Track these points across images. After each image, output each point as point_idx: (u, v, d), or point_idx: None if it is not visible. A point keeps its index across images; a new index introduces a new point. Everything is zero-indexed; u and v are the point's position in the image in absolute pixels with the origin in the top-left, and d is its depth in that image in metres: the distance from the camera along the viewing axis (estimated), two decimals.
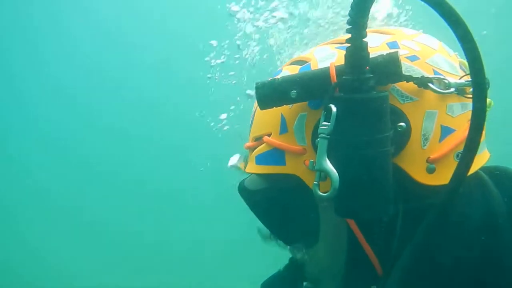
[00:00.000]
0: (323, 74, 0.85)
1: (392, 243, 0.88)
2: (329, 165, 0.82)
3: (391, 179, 0.82)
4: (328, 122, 0.82)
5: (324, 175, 0.83)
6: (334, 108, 0.82)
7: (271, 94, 0.87)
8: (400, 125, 0.84)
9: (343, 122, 0.81)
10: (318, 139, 0.83)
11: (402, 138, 0.85)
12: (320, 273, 0.95)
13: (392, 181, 0.82)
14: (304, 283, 0.97)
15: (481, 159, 0.92)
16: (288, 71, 0.95)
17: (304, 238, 0.94)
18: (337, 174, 0.81)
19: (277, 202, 0.93)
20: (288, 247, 0.99)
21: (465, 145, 0.80)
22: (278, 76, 0.90)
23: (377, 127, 0.81)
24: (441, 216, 0.82)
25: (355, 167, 0.81)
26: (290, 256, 1.00)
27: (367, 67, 0.81)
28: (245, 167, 1.00)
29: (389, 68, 0.82)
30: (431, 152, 0.86)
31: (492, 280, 0.83)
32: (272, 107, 0.89)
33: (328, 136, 0.82)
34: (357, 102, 0.81)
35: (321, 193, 0.83)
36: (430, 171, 0.85)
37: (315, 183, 0.84)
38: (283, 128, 0.91)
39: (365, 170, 0.81)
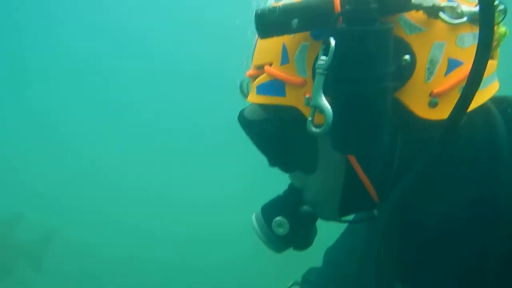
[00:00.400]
0: (327, 3, 0.80)
1: (389, 174, 0.90)
2: (324, 102, 0.82)
3: (389, 115, 0.81)
4: (326, 56, 0.80)
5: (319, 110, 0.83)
6: (333, 42, 0.79)
7: (271, 22, 0.83)
8: (405, 59, 0.82)
9: (342, 57, 0.79)
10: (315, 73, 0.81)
11: (405, 72, 0.82)
12: (318, 198, 0.98)
13: (391, 116, 0.82)
14: (304, 207, 1.00)
15: (489, 91, 0.90)
16: None
17: (303, 166, 0.97)
18: (331, 111, 0.81)
19: (276, 133, 0.94)
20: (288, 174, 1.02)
21: (468, 76, 0.78)
22: (280, 3, 0.85)
23: (378, 62, 0.78)
24: (439, 149, 0.82)
25: (353, 104, 0.80)
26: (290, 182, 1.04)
27: None
28: (246, 96, 1.00)
29: None
30: (435, 86, 0.83)
31: (487, 216, 0.85)
32: (273, 36, 0.87)
33: (325, 72, 0.80)
34: (358, 35, 0.77)
35: (314, 129, 0.84)
36: (433, 105, 0.84)
37: (309, 119, 0.84)
38: (284, 58, 0.89)
39: (362, 107, 0.80)
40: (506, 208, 0.83)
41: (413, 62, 0.82)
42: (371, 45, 0.77)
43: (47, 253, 6.06)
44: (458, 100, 0.79)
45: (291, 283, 1.30)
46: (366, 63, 0.78)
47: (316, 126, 0.84)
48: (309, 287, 1.27)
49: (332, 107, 0.82)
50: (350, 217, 1.04)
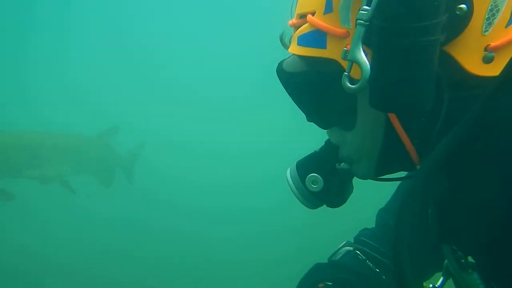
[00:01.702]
0: None
1: (432, 134, 0.85)
2: (361, 56, 0.77)
3: (434, 70, 0.76)
4: (369, 6, 0.74)
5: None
6: None
7: None
8: (460, 8, 0.75)
9: (387, 6, 0.73)
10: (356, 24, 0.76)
11: (459, 23, 0.76)
12: (355, 155, 0.95)
13: (439, 72, 0.77)
14: (340, 164, 0.98)
15: None
16: None
17: (341, 122, 0.94)
18: (368, 66, 0.77)
19: (315, 87, 0.90)
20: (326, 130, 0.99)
21: None
22: None
23: (427, 12, 0.72)
24: (488, 107, 0.77)
25: (395, 58, 0.75)
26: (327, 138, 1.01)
27: None
28: (287, 48, 0.96)
29: None
30: (492, 39, 0.77)
31: None
32: None
33: (367, 23, 0.75)
34: None
35: (349, 85, 0.80)
36: (487, 60, 0.77)
37: (345, 74, 0.80)
38: (328, 6, 0.84)
39: (406, 62, 0.75)
40: None
41: (469, 12, 0.75)
42: None
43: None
44: None
45: (343, 243, 1.29)
46: (413, 13, 0.72)
47: (352, 82, 0.80)
48: (362, 248, 1.25)
49: (372, 62, 0.77)
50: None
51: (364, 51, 0.78)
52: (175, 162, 9.31)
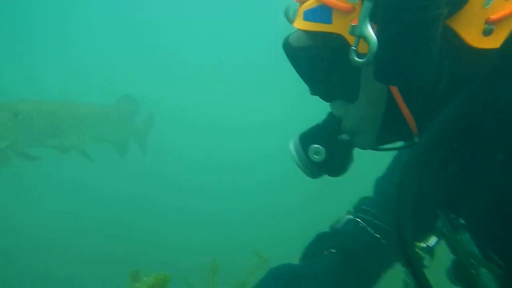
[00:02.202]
0: None
1: (431, 106, 0.89)
2: (369, 31, 0.80)
3: (437, 44, 0.79)
4: None
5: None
6: None
7: None
8: None
9: None
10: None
11: None
12: (357, 127, 0.99)
13: (440, 45, 0.79)
14: (342, 135, 1.02)
15: None
16: None
17: (345, 95, 0.97)
18: (376, 40, 0.80)
19: (320, 61, 0.93)
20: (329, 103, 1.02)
21: None
22: None
23: None
24: (485, 83, 0.80)
25: (400, 33, 0.78)
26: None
27: None
28: (292, 22, 0.98)
29: None
30: (493, 12, 0.79)
31: None
32: None
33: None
34: None
35: (357, 59, 0.83)
36: (487, 33, 0.80)
37: (353, 48, 0.83)
38: None
39: (410, 36, 0.78)
40: None
41: None
42: None
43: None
44: None
45: (344, 212, 1.34)
46: None
47: (359, 56, 0.83)
48: (362, 216, 1.30)
49: (378, 36, 0.80)
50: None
51: (370, 26, 0.81)
52: (182, 137, 9.34)
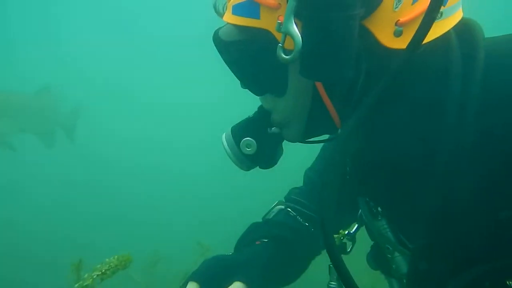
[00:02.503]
0: None
1: (352, 100, 0.94)
2: (294, 29, 0.83)
3: (355, 42, 0.83)
4: None
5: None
6: None
7: None
8: None
9: None
10: None
11: (375, 0, 0.83)
12: (286, 120, 1.02)
13: (359, 43, 0.84)
14: (272, 128, 1.05)
15: (453, 20, 0.91)
16: None
17: (273, 89, 1.00)
18: (300, 38, 0.83)
19: (248, 55, 0.95)
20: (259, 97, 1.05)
21: (428, 6, 0.79)
22: None
23: None
24: (394, 78, 0.84)
25: (321, 31, 0.82)
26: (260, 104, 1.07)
27: None
28: (221, 16, 0.99)
29: None
30: (401, 15, 0.85)
31: (426, 167, 0.89)
32: None
33: None
34: None
35: (284, 56, 0.86)
36: (397, 34, 0.86)
37: (279, 45, 0.86)
38: None
39: (330, 34, 0.82)
40: (440, 165, 0.87)
41: None
42: None
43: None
44: (417, 29, 0.80)
45: (275, 203, 1.38)
46: None
47: (286, 53, 0.86)
48: (292, 205, 1.35)
49: (302, 34, 0.83)
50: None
51: (295, 23, 0.83)
52: (115, 120, 9.12)
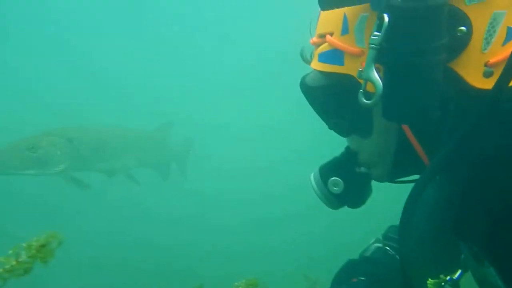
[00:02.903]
0: None
1: (441, 140, 0.92)
2: (374, 75, 0.86)
3: (439, 86, 0.83)
4: (379, 32, 0.83)
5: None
6: (386, 18, 0.82)
7: None
8: (460, 29, 0.83)
9: (395, 32, 0.82)
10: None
11: (461, 43, 0.84)
12: (372, 160, 1.04)
13: (445, 85, 0.84)
14: (359, 168, 1.07)
15: None
16: None
17: (358, 131, 1.03)
18: (381, 84, 0.86)
19: (334, 99, 1.00)
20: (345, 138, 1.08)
21: None
22: None
23: (430, 35, 0.80)
24: (484, 117, 0.82)
25: (403, 76, 0.84)
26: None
27: None
28: (308, 63, 1.05)
29: None
30: (491, 56, 0.84)
31: None
32: (333, 8, 0.91)
33: (378, 46, 0.84)
34: (411, 11, 0.80)
35: (365, 100, 0.89)
36: (487, 75, 0.84)
37: (360, 91, 0.89)
38: (345, 29, 0.94)
39: (411, 78, 0.83)
40: None
41: (469, 33, 0.83)
42: (425, 19, 0.79)
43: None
44: (503, 70, 0.78)
45: (373, 240, 1.37)
46: (417, 37, 0.81)
47: (367, 97, 0.89)
48: (391, 244, 1.33)
49: (384, 79, 0.86)
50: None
51: (377, 69, 0.87)
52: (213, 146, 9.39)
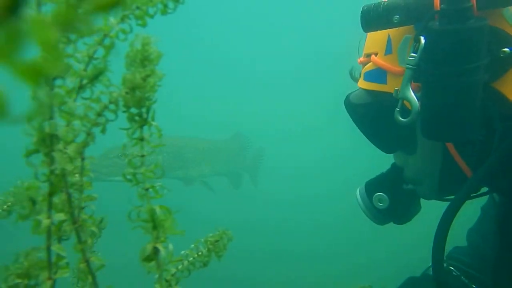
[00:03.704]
0: (426, 2, 0.86)
1: (487, 158, 0.91)
2: (410, 95, 0.89)
3: (478, 106, 0.84)
4: (416, 53, 0.86)
5: None
6: (423, 40, 0.85)
7: (375, 18, 0.92)
8: (503, 51, 0.83)
9: (432, 53, 0.84)
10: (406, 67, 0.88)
11: (504, 64, 0.84)
12: (417, 177, 1.05)
13: (488, 105, 0.85)
14: (406, 185, 1.08)
15: None
16: None
17: (403, 147, 1.04)
18: (417, 103, 0.88)
19: (377, 117, 1.03)
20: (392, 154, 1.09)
21: None
22: (384, 0, 0.92)
23: (469, 57, 0.82)
24: None
25: (440, 96, 0.85)
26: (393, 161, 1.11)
27: None
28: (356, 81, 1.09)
29: None
30: None
31: None
32: (376, 31, 0.94)
33: (414, 67, 0.86)
34: (449, 34, 0.82)
35: (400, 118, 0.91)
36: None
37: (397, 110, 0.92)
38: (388, 49, 0.97)
39: (449, 98, 0.85)
40: None
41: None
42: (464, 41, 0.81)
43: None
44: None
45: None
46: (455, 59, 0.82)
47: (404, 115, 0.91)
48: (455, 264, 1.30)
49: (421, 98, 0.88)
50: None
51: (413, 89, 0.89)
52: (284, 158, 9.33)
